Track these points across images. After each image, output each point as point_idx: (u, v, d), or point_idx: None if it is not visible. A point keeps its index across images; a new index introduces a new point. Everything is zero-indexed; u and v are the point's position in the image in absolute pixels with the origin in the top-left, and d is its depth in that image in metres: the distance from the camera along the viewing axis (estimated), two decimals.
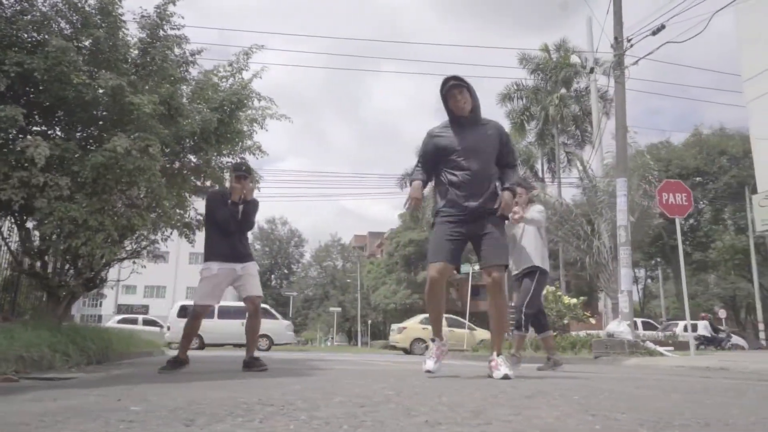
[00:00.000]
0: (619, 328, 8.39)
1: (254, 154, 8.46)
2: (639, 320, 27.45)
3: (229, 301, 24.13)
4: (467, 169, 3.74)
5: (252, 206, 5.04)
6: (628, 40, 9.01)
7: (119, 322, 25.64)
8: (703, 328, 19.45)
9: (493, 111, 32.54)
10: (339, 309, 45.84)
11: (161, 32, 6.99)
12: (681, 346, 11.86)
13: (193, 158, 7.72)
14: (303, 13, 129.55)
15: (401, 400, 2.13)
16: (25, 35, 6.40)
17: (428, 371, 3.79)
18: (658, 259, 39.21)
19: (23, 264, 7.06)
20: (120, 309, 46.97)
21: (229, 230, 4.84)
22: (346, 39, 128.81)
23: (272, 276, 68.33)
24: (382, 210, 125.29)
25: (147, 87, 6.65)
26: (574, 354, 9.14)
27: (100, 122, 6.76)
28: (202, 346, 19.21)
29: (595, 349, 8.37)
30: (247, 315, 5.06)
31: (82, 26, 6.75)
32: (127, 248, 7.74)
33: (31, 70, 5.99)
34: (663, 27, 8.56)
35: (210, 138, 7.56)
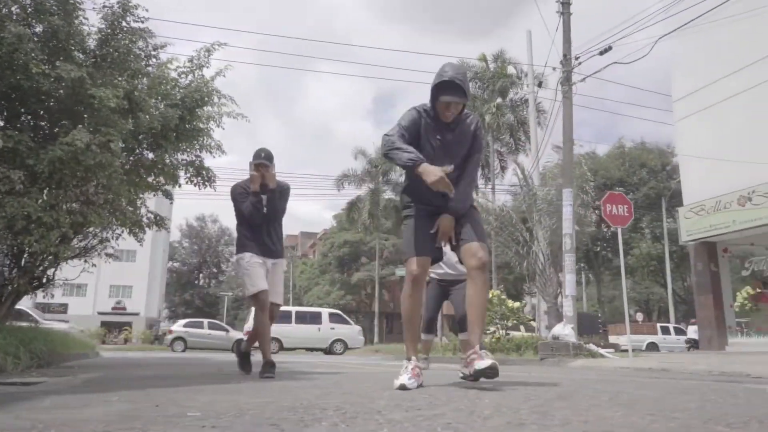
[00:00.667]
0: (564, 331, 8.86)
1: (211, 153, 8.32)
2: (671, 326, 28.95)
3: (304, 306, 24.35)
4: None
5: (277, 194, 4.58)
6: (576, 58, 9.56)
7: (185, 326, 25.47)
8: (693, 332, 21.28)
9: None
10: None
11: (124, 24, 6.75)
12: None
13: (150, 155, 7.48)
14: (237, 9, 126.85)
15: (452, 402, 2.22)
16: None
17: (402, 386, 3.06)
18: (582, 265, 41.10)
19: None
20: (38, 307, 44.27)
21: (255, 223, 4.47)
22: (282, 37, 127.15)
23: (200, 275, 66.53)
24: (314, 210, 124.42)
25: (105, 80, 6.40)
26: (519, 355, 9.54)
27: (56, 114, 6.45)
28: (280, 348, 19.92)
29: (541, 351, 8.78)
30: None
31: (35, 11, 6.44)
32: (75, 246, 7.42)
33: None
34: (610, 48, 9.15)
35: (169, 135, 7.38)
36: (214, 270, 66.52)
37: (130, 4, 6.78)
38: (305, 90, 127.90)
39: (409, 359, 3.28)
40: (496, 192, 30.98)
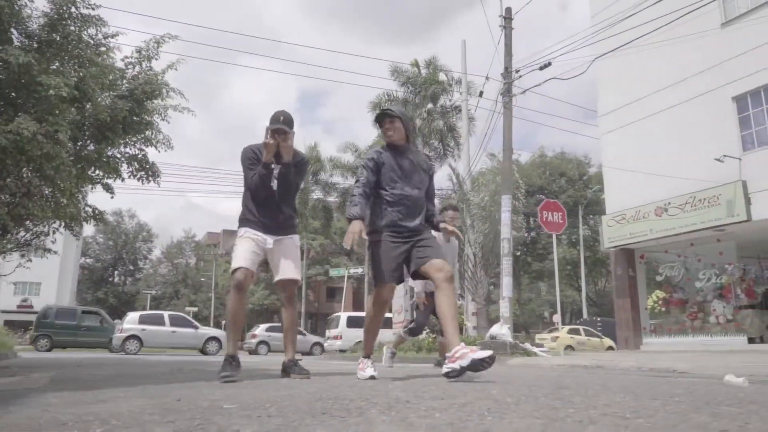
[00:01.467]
0: (501, 330, 9.26)
1: (156, 147, 8.11)
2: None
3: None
4: (407, 193, 3.83)
5: (292, 168, 3.89)
6: (517, 71, 10.05)
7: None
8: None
9: (363, 117, 33.34)
10: (195, 309, 43.85)
11: (73, 9, 6.47)
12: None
13: (92, 147, 7.21)
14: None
15: (471, 392, 2.36)
16: None
17: (372, 377, 3.60)
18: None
19: None
20: None
21: (260, 196, 3.86)
22: (207, 28, 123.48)
23: (115, 272, 63.38)
24: (235, 207, 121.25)
25: (53, 67, 6.14)
26: None
27: (3, 101, 6.10)
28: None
29: (480, 349, 9.10)
30: (281, 306, 4.09)
31: None
32: (10, 240, 7.03)
33: None
34: (549, 64, 9.69)
35: (116, 127, 7.15)
36: (131, 267, 63.64)
37: None
38: (230, 83, 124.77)
39: (367, 357, 3.86)
40: None
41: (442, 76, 32.40)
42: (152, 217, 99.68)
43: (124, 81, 7.15)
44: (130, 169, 8.14)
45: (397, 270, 3.79)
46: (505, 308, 9.71)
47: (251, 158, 3.88)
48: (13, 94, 5.93)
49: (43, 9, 6.44)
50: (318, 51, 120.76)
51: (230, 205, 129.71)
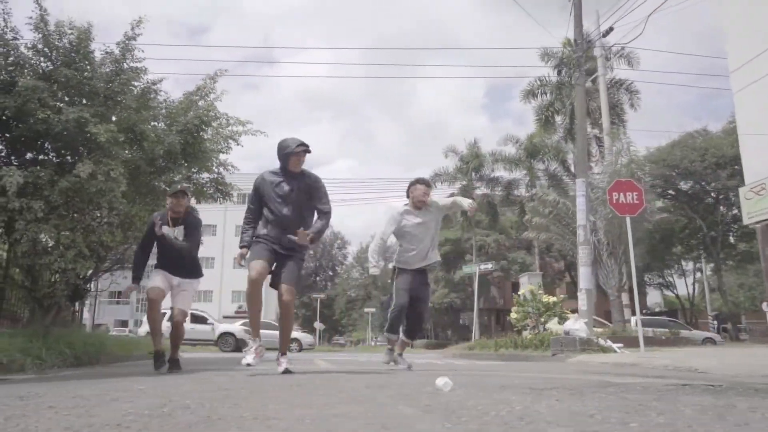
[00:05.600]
0: (574, 325, 8.58)
1: (227, 169, 9.17)
2: None
3: None
4: (284, 214, 4.47)
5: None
6: (587, 41, 9.19)
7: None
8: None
9: (518, 108, 32.41)
10: (374, 310, 46.40)
11: (125, 65, 7.70)
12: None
13: (161, 178, 8.38)
14: (343, 13, 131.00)
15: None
16: (1, 77, 7.20)
17: (249, 365, 4.25)
18: (701, 252, 37.89)
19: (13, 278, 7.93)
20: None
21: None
22: (389, 37, 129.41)
23: (317, 278, 69.67)
24: None
25: (107, 116, 7.36)
26: (540, 351, 9.33)
27: (70, 150, 7.51)
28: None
29: (553, 346, 8.58)
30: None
31: (61, 64, 7.55)
32: (106, 263, 8.51)
33: (5, 107, 6.82)
34: (611, 29, 8.72)
35: (177, 158, 8.26)
36: (330, 273, 69.49)
37: (128, 48, 7.74)
38: (415, 89, 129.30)
39: (253, 340, 4.42)
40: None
41: (597, 51, 30.14)
42: (361, 225, 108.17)
43: (177, 117, 8.21)
44: (210, 192, 9.29)
45: (265, 254, 4.49)
46: (582, 301, 8.97)
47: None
48: (74, 143, 7.27)
49: (103, 70, 7.76)
50: (493, 44, 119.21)
51: None
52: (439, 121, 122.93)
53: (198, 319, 23.45)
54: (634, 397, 2.38)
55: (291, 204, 4.49)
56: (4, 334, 6.65)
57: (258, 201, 4.62)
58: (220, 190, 9.19)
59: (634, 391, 2.67)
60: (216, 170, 9.11)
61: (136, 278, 5.54)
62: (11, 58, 7.46)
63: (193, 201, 9.54)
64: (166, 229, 5.35)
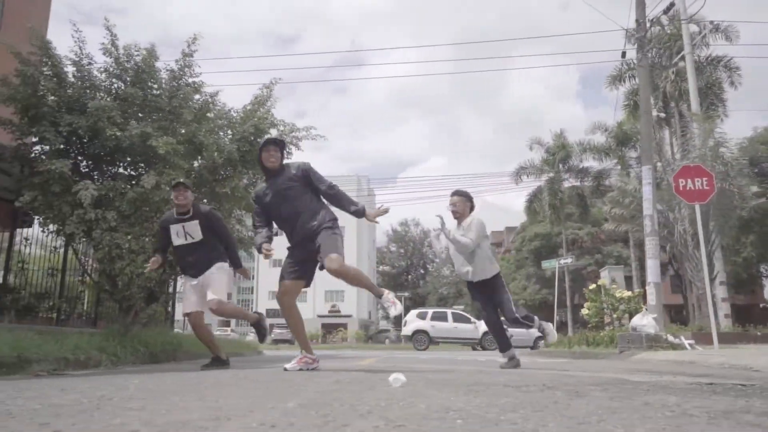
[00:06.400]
0: (642, 321, 8.05)
1: None
2: None
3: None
4: (282, 216, 4.52)
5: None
6: (650, 21, 8.61)
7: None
8: None
9: (600, 95, 30.89)
10: (461, 307, 45.97)
11: (183, 81, 8.21)
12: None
13: (224, 185, 8.82)
14: (425, 10, 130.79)
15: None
16: (78, 99, 7.90)
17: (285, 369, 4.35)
18: None
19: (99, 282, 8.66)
20: (267, 313, 51.65)
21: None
22: (474, 30, 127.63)
23: (409, 276, 70.11)
24: (519, 203, 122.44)
25: (169, 130, 7.87)
26: (611, 348, 8.88)
27: (142, 163, 8.09)
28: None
29: (620, 343, 8.12)
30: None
31: (131, 83, 8.17)
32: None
33: (77, 128, 7.50)
34: (673, 5, 8.11)
35: (237, 166, 8.68)
36: (422, 271, 69.69)
37: (186, 64, 8.25)
38: (504, 82, 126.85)
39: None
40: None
41: (692, 27, 28.09)
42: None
43: (235, 127, 8.61)
44: None
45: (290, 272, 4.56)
46: (651, 295, 8.43)
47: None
48: (140, 157, 7.84)
49: (164, 87, 8.30)
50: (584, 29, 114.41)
51: (521, 201, 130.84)
52: (530, 113, 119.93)
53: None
54: (596, 395, 2.27)
55: (285, 202, 4.47)
56: (84, 333, 7.29)
57: (260, 208, 4.70)
58: None
59: (631, 391, 2.51)
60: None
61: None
62: (87, 82, 8.18)
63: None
64: (176, 239, 5.61)
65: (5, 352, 5.70)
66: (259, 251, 4.54)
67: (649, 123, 9.18)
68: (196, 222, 5.60)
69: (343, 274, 4.27)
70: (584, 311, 11.19)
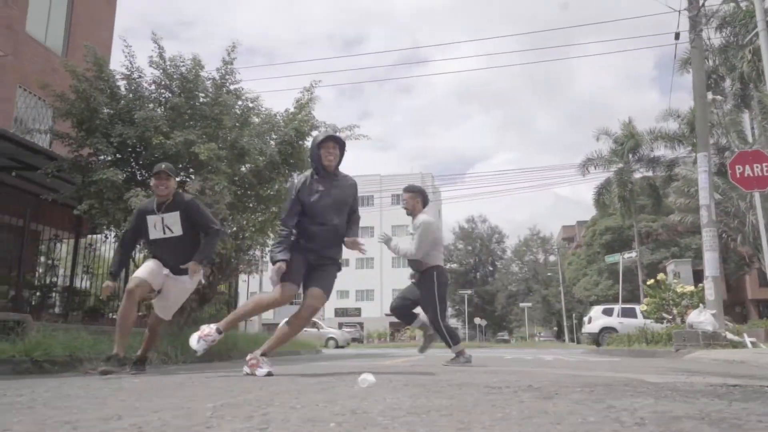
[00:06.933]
0: (699, 318, 7.53)
1: None
2: None
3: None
4: (328, 223, 4.00)
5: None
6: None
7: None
8: None
9: (676, 80, 29.39)
10: (529, 305, 44.92)
11: (224, 90, 8.47)
12: None
13: (268, 187, 9.03)
14: (485, 2, 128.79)
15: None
16: (129, 111, 8.30)
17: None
18: None
19: None
20: (336, 312, 52.33)
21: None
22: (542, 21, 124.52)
23: (477, 274, 69.28)
24: (588, 197, 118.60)
25: (212, 136, 8.13)
26: (669, 347, 8.38)
27: (191, 169, 8.42)
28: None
29: (676, 341, 7.65)
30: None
31: (181, 92, 8.52)
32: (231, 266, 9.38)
33: (126, 138, 7.88)
34: None
35: (280, 168, 8.86)
36: (490, 268, 68.61)
37: (227, 72, 8.51)
38: (572, 72, 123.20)
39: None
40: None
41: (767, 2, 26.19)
42: (526, 218, 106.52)
43: (277, 130, 8.80)
44: None
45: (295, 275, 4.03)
46: (709, 290, 7.89)
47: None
48: (186, 163, 8.15)
49: (207, 94, 8.59)
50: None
51: (585, 196, 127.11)
52: (601, 103, 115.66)
53: None
54: (583, 398, 2.16)
55: (332, 209, 4.00)
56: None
57: (299, 203, 4.04)
58: None
59: (609, 393, 2.37)
60: None
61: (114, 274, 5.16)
62: (137, 94, 8.60)
63: None
64: (153, 232, 4.80)
65: (58, 351, 6.14)
66: (274, 263, 3.96)
67: (704, 107, 8.61)
68: (176, 213, 4.77)
69: (313, 313, 4.11)
70: (642, 307, 10.65)
